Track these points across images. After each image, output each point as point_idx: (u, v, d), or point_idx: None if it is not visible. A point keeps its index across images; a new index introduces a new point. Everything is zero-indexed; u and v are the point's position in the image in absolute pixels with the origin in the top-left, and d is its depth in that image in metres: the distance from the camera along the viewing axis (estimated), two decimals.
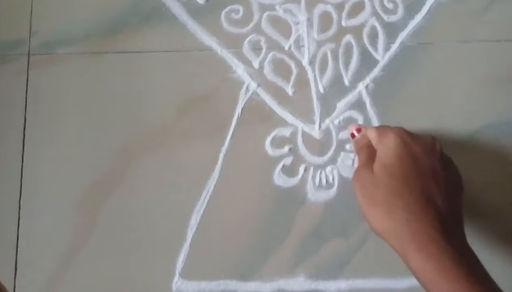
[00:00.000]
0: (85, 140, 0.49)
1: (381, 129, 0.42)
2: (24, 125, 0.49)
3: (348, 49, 0.51)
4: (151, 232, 0.48)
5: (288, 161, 0.49)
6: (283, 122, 0.50)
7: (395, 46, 0.52)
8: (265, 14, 0.52)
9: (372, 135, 0.43)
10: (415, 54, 0.51)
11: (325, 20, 0.52)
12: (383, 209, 0.38)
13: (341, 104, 0.50)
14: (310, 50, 0.51)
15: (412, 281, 0.45)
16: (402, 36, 0.52)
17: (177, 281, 0.47)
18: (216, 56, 0.51)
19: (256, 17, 0.52)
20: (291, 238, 0.48)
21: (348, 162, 0.49)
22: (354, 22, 0.52)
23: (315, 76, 0.51)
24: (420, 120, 0.50)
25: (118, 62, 0.51)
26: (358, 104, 0.50)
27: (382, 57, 0.51)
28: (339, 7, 0.52)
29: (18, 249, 0.47)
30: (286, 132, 0.50)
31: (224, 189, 0.48)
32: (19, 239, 0.47)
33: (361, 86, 0.51)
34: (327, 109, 0.50)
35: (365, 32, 0.52)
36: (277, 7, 0.52)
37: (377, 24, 0.52)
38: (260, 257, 0.47)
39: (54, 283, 0.47)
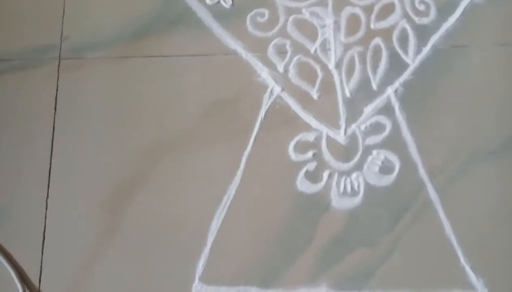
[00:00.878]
0: (111, 142, 0.50)
1: None
2: (53, 128, 0.51)
3: (377, 52, 0.50)
4: (173, 235, 0.47)
5: (311, 166, 0.48)
6: (307, 127, 0.49)
7: (426, 49, 0.50)
8: (291, 18, 0.51)
9: None
10: (448, 57, 0.49)
11: (353, 23, 0.51)
12: None
13: (368, 109, 0.49)
14: (337, 54, 0.50)
15: None
16: (434, 38, 0.50)
17: (196, 285, 0.46)
18: (241, 60, 0.51)
19: (281, 20, 0.51)
20: (313, 245, 0.46)
21: (375, 169, 0.47)
22: (383, 24, 0.51)
23: (341, 80, 0.49)
24: (453, 127, 0.47)
25: (145, 66, 0.51)
26: (387, 109, 0.49)
27: (413, 60, 0.49)
28: (368, 10, 0.51)
29: (44, 247, 0.48)
30: (310, 137, 0.49)
31: (245, 194, 0.48)
32: (45, 238, 0.48)
33: (389, 91, 0.49)
34: (353, 114, 0.49)
35: (395, 34, 0.50)
36: (303, 10, 0.51)
37: (407, 27, 0.50)
38: (282, 264, 0.46)
39: (77, 282, 0.47)
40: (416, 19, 0.50)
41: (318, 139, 0.48)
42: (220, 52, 0.51)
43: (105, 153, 0.50)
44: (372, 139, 0.48)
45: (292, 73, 0.50)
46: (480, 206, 0.45)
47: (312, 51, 0.50)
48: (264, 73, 0.50)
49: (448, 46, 0.50)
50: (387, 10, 0.51)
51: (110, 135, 0.50)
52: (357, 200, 0.47)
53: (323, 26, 0.51)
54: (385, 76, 0.49)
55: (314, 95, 0.49)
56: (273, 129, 0.49)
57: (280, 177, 0.48)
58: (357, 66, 0.50)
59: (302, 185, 0.48)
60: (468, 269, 0.44)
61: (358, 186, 0.47)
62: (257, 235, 0.47)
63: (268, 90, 0.50)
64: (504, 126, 0.47)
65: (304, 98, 0.49)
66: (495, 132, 0.47)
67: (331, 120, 0.49)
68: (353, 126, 0.49)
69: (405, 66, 0.49)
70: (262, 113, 0.49)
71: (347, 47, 0.50)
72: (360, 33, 0.51)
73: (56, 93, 0.51)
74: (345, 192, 0.47)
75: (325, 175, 0.48)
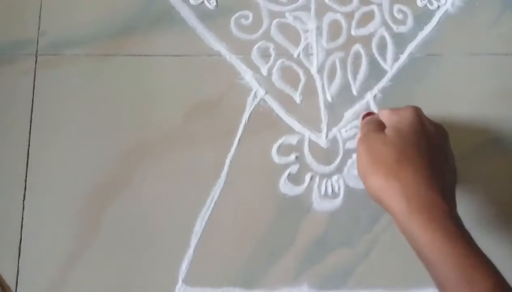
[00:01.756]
0: (91, 143, 0.49)
1: (396, 108, 0.42)
2: (30, 126, 0.49)
3: (357, 58, 0.51)
4: (155, 237, 0.47)
5: (294, 169, 0.49)
6: (290, 130, 0.50)
7: (403, 57, 0.52)
8: (274, 21, 0.52)
9: (384, 113, 0.42)
10: (424, 65, 0.51)
11: (335, 29, 0.52)
12: (391, 166, 0.37)
13: (348, 114, 0.50)
14: (319, 59, 0.51)
15: None
16: (411, 47, 0.52)
17: (180, 288, 0.46)
18: (225, 61, 0.51)
19: (265, 23, 0.52)
20: (295, 246, 0.47)
21: (354, 172, 0.49)
22: (363, 31, 0.52)
23: (323, 84, 0.51)
24: None
25: (126, 65, 0.51)
26: None
27: (391, 67, 0.51)
28: (349, 16, 0.52)
29: (21, 250, 0.47)
30: (293, 140, 0.49)
31: (229, 196, 0.48)
32: (22, 240, 0.47)
33: (369, 96, 0.51)
34: (334, 118, 0.50)
35: (374, 42, 0.52)
36: (286, 14, 0.52)
37: (386, 34, 0.52)
38: (264, 265, 0.47)
39: (56, 286, 0.46)
40: (394, 27, 0.52)
41: (300, 142, 0.49)
42: (203, 53, 0.51)
43: (84, 153, 0.49)
44: (352, 143, 0.50)
45: (275, 76, 0.51)
46: None
47: (295, 55, 0.51)
48: (247, 76, 0.50)
49: (424, 54, 0.52)
50: (367, 17, 0.52)
51: (90, 135, 0.49)
52: (338, 201, 0.48)
53: (306, 31, 0.52)
54: (364, 82, 0.51)
55: (297, 99, 0.50)
56: (256, 132, 0.49)
57: (263, 179, 0.48)
58: (338, 72, 0.51)
59: (285, 187, 0.48)
60: None
61: (339, 188, 0.49)
62: (241, 236, 0.47)
63: (252, 93, 0.50)
64: (474, 132, 0.50)
65: (287, 102, 0.50)
66: (465, 138, 0.50)
67: (313, 124, 0.50)
68: (334, 130, 0.50)
69: (383, 72, 0.51)
70: (246, 116, 0.50)
71: (328, 52, 0.51)
72: (341, 39, 0.52)
73: (33, 90, 0.50)
74: (326, 194, 0.49)
75: (307, 177, 0.49)
